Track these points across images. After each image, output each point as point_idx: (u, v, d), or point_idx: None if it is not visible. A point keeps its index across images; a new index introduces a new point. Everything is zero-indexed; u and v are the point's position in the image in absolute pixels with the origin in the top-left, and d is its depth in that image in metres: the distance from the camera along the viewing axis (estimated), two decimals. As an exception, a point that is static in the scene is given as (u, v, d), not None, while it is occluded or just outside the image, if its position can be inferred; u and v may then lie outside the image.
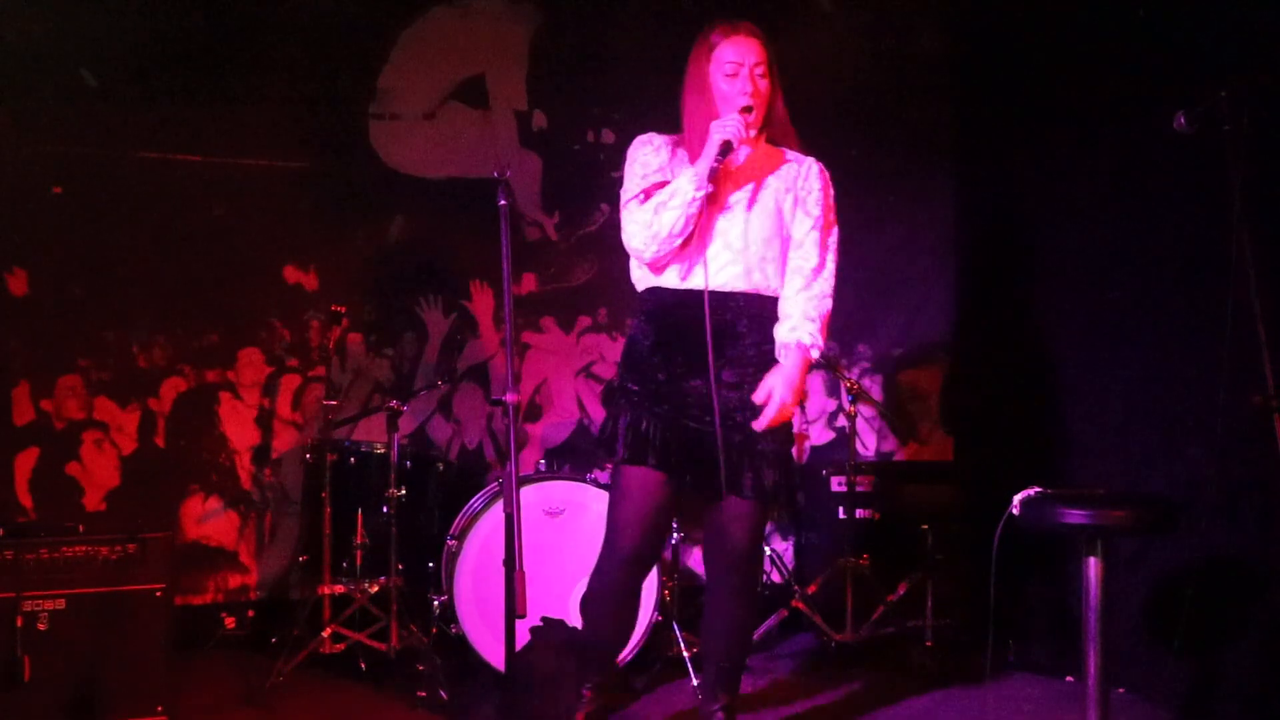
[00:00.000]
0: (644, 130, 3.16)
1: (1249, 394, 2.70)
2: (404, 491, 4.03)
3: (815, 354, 2.99)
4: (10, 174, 4.35)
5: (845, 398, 4.35)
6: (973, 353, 5.06)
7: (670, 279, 2.97)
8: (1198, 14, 3.62)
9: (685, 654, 3.87)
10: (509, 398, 2.55)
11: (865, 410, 5.05)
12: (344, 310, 4.17)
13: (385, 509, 3.98)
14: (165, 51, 4.54)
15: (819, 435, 5.21)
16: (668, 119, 5.02)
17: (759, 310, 3.00)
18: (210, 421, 4.65)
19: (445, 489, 4.42)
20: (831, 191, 3.11)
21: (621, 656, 3.89)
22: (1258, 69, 3.28)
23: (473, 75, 4.90)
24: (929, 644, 4.18)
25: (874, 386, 5.20)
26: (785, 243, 3.03)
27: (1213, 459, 3.40)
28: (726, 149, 2.83)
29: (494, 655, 3.79)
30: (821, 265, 3.04)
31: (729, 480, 2.93)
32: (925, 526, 4.27)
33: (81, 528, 3.48)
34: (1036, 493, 3.09)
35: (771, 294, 3.03)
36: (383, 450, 4.10)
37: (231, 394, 4.68)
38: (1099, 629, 3.06)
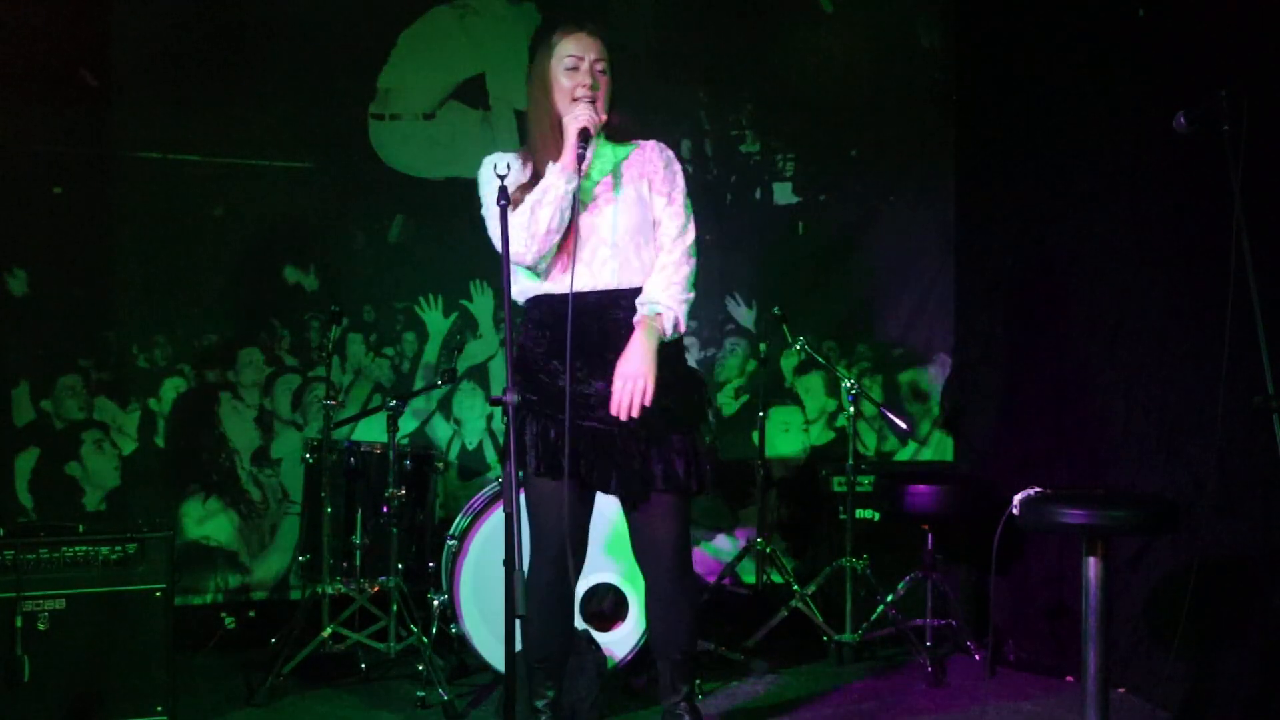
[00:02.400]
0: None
1: (1249, 394, 2.70)
2: (404, 491, 4.03)
3: (669, 321, 2.97)
4: (10, 174, 4.35)
5: (845, 398, 4.34)
6: (973, 353, 5.06)
7: (554, 285, 2.99)
8: (1198, 14, 3.62)
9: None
10: (509, 398, 2.55)
11: (865, 410, 5.05)
12: (344, 310, 4.17)
13: (385, 509, 3.98)
14: (165, 51, 4.54)
15: (819, 435, 5.21)
16: (668, 119, 5.05)
17: None
18: (210, 421, 4.65)
19: (445, 489, 4.41)
20: (676, 165, 3.14)
21: (621, 657, 3.90)
22: (1258, 69, 3.29)
23: (473, 75, 4.91)
24: (929, 644, 4.18)
25: (874, 386, 5.20)
26: (638, 226, 3.06)
27: (1213, 459, 3.40)
28: (585, 135, 2.87)
29: (494, 655, 3.79)
30: (681, 234, 3.07)
31: (644, 476, 2.95)
32: (925, 526, 4.27)
33: (81, 528, 3.48)
34: (1036, 493, 3.09)
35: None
36: (383, 450, 4.10)
37: (231, 394, 4.68)
38: (1099, 629, 3.06)
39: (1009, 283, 4.74)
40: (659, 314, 2.97)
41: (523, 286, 3.07)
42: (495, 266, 2.87)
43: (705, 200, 5.09)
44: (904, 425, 4.52)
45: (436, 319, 4.87)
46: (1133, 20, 3.90)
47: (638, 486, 2.98)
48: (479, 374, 4.90)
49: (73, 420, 4.50)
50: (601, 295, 2.97)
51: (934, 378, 5.25)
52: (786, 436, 5.18)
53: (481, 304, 4.89)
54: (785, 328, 4.48)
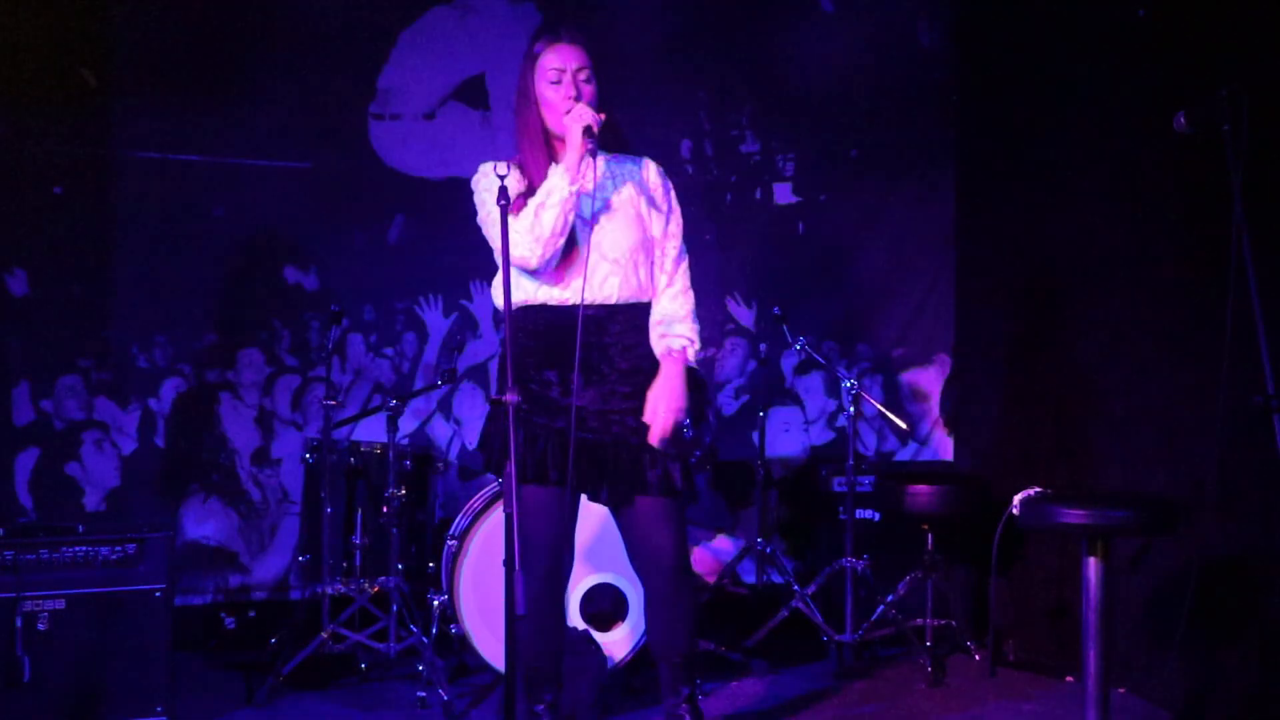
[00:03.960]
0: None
1: (1249, 394, 2.70)
2: (404, 491, 4.03)
3: (693, 353, 3.07)
4: (10, 174, 4.35)
5: (845, 398, 4.34)
6: (973, 353, 5.06)
7: (550, 295, 2.98)
8: (1198, 14, 3.62)
9: (685, 654, 3.86)
10: (509, 398, 2.55)
11: (865, 410, 5.05)
12: (344, 310, 4.17)
13: (385, 509, 3.98)
14: (165, 51, 4.55)
15: (819, 435, 5.21)
16: (668, 118, 5.05)
17: (639, 319, 3.05)
18: (210, 421, 4.65)
19: (445, 489, 4.41)
20: (669, 183, 3.17)
21: (622, 656, 3.90)
22: (1258, 69, 3.29)
23: (473, 75, 4.91)
24: (929, 644, 4.18)
25: (874, 386, 5.20)
26: (650, 246, 3.08)
27: (1213, 459, 3.40)
28: (589, 133, 2.86)
29: (494, 655, 3.79)
30: (680, 258, 3.13)
31: (637, 483, 2.96)
32: (925, 526, 4.27)
33: (81, 528, 3.48)
34: (1036, 493, 3.09)
35: (649, 299, 3.08)
36: (383, 450, 4.10)
37: (232, 394, 4.68)
38: (1099, 629, 3.06)
39: (1009, 283, 4.74)
40: (684, 347, 3.05)
41: (522, 292, 3.04)
42: (495, 268, 2.88)
43: (705, 200, 5.10)
44: (903, 425, 4.52)
45: (436, 319, 4.87)
46: (1133, 20, 3.90)
47: (629, 493, 2.98)
48: (479, 374, 4.90)
49: (73, 420, 4.50)
50: (599, 309, 2.97)
51: (934, 378, 5.25)
52: (786, 436, 5.19)
53: (481, 304, 4.89)
54: (785, 328, 4.48)
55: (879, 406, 4.61)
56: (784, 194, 5.19)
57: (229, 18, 4.62)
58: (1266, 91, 2.98)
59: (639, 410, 2.98)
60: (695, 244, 5.02)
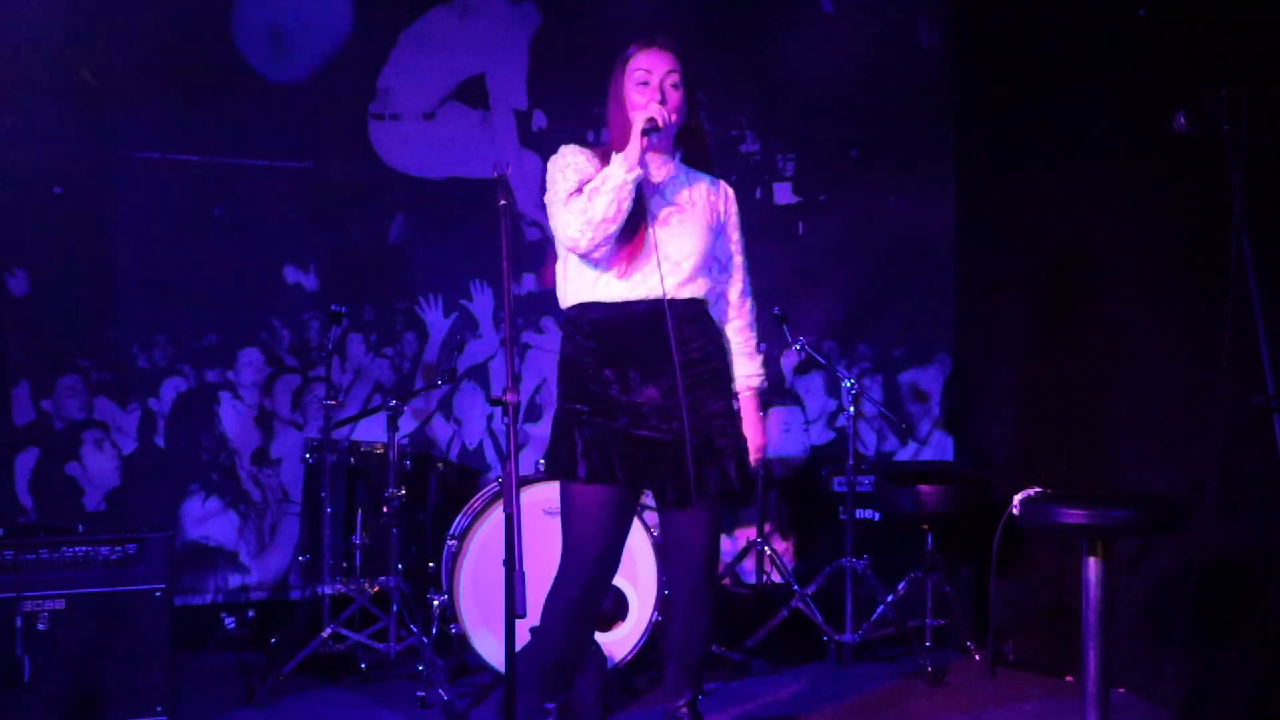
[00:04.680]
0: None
1: (1249, 394, 2.70)
2: (404, 491, 4.03)
3: (764, 387, 3.27)
4: (10, 174, 4.35)
5: (845, 398, 4.34)
6: (973, 353, 5.06)
7: (606, 292, 3.00)
8: (1198, 14, 3.62)
9: (685, 654, 3.86)
10: (509, 398, 2.55)
11: (865, 410, 5.05)
12: (344, 310, 4.17)
13: (385, 509, 3.98)
14: (165, 51, 4.54)
15: (819, 435, 5.21)
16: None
17: (697, 314, 3.09)
18: (210, 421, 4.65)
19: (445, 489, 4.41)
20: (738, 215, 3.26)
21: (622, 656, 3.90)
22: (1258, 69, 3.29)
23: (473, 75, 4.91)
24: (929, 644, 4.18)
25: (874, 386, 5.20)
26: (710, 255, 3.13)
27: (1213, 459, 3.40)
28: (653, 125, 2.90)
29: (494, 655, 3.79)
30: (747, 290, 3.27)
31: (698, 484, 2.98)
32: (925, 526, 4.27)
33: (81, 528, 3.48)
34: (1036, 493, 3.09)
35: (700, 296, 3.12)
36: (383, 450, 4.10)
37: (231, 394, 4.68)
38: (1099, 629, 3.06)
39: (1009, 283, 4.74)
40: (760, 380, 3.24)
41: (575, 288, 3.07)
42: (496, 265, 2.88)
43: (705, 200, 5.09)
44: (903, 425, 4.52)
45: (436, 319, 4.87)
46: (1133, 20, 3.90)
47: (689, 492, 2.98)
48: (479, 374, 4.90)
49: (73, 420, 4.50)
50: (652, 305, 2.98)
51: (934, 378, 5.25)
52: (786, 436, 5.18)
53: (481, 304, 4.89)
54: (785, 328, 4.48)
55: (879, 406, 4.61)
56: (784, 194, 5.19)
57: (229, 18, 4.61)
58: (1266, 91, 2.99)
59: (697, 406, 3.00)
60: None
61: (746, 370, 3.22)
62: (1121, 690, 3.79)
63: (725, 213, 3.19)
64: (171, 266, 4.58)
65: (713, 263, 3.15)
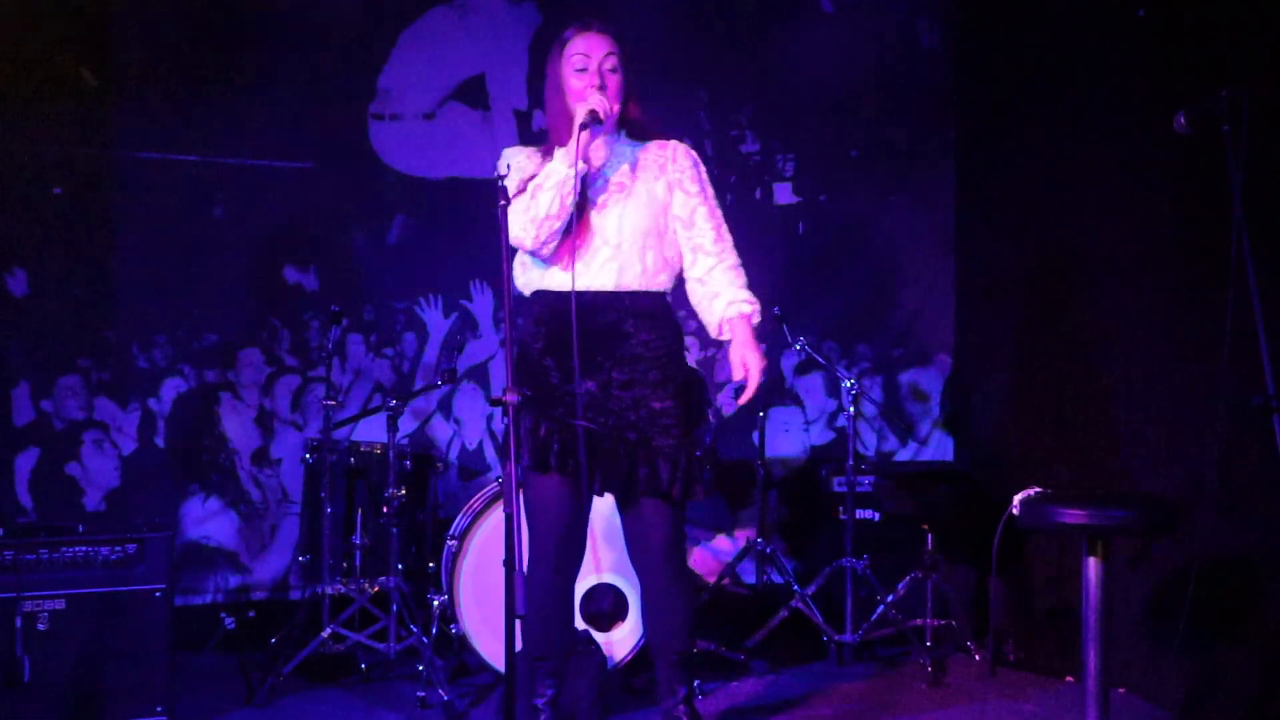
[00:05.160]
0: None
1: (1249, 394, 2.70)
2: (404, 491, 4.03)
3: (756, 319, 3.11)
4: (10, 174, 4.36)
5: (845, 398, 4.34)
6: (973, 353, 5.06)
7: (555, 281, 2.99)
8: (1198, 14, 3.62)
9: (685, 654, 3.86)
10: (509, 398, 2.55)
11: (865, 410, 5.05)
12: (344, 310, 4.17)
13: (385, 509, 3.98)
14: (165, 51, 4.55)
15: (819, 435, 5.21)
16: (668, 118, 5.03)
17: (645, 307, 3.03)
18: (210, 421, 4.65)
19: (445, 489, 4.40)
20: (702, 167, 3.18)
21: (622, 656, 3.90)
22: (1258, 69, 3.29)
23: (473, 75, 4.91)
24: (929, 644, 4.18)
25: (874, 386, 5.20)
26: (664, 232, 3.06)
27: (1213, 459, 3.40)
28: (594, 118, 2.87)
29: (494, 655, 3.79)
30: (720, 235, 3.13)
31: (629, 479, 2.96)
32: (925, 526, 4.27)
33: (81, 528, 3.48)
34: (1036, 493, 3.09)
35: (658, 289, 3.07)
36: (382, 450, 4.10)
37: (232, 394, 4.68)
38: (1099, 629, 3.06)
39: (1009, 283, 4.74)
40: (752, 311, 3.08)
41: (528, 278, 3.09)
42: (497, 265, 2.88)
43: (705, 200, 5.09)
44: (903, 425, 4.52)
45: (436, 319, 4.87)
46: (1133, 20, 3.90)
47: (622, 488, 2.99)
48: (479, 374, 4.90)
49: (73, 420, 4.50)
50: (597, 296, 2.96)
51: (934, 378, 5.25)
52: (786, 436, 5.18)
53: (481, 304, 4.89)
54: (785, 328, 4.48)
55: (879, 406, 4.61)
56: (784, 194, 5.19)
57: (229, 18, 4.62)
58: (1266, 91, 2.98)
59: (638, 402, 2.97)
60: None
61: (731, 296, 3.07)
62: (1121, 690, 3.79)
63: (676, 169, 3.11)
64: (171, 266, 4.58)
65: (664, 230, 3.07)
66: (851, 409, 4.35)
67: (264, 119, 4.66)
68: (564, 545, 3.05)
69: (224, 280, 4.65)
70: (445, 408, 4.88)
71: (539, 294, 3.05)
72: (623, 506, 3.07)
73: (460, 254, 4.82)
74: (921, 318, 5.23)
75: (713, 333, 3.14)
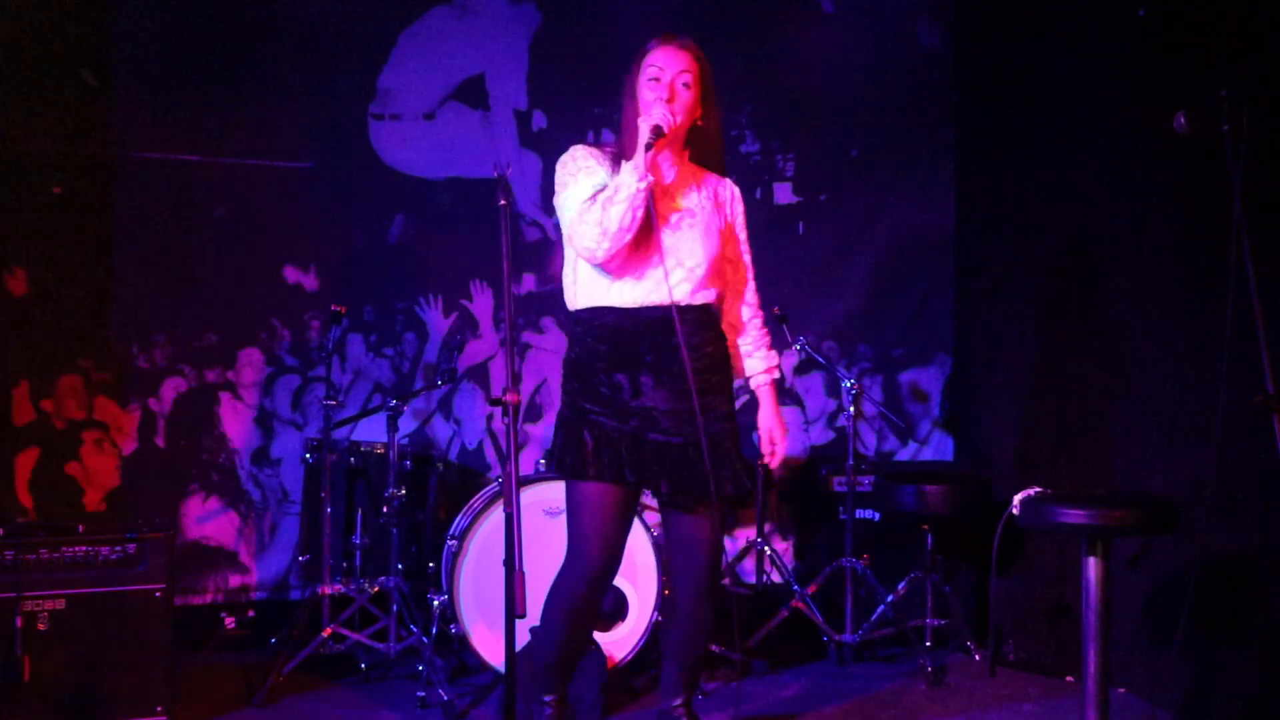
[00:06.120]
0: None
1: (1249, 394, 2.70)
2: (404, 491, 4.03)
3: (778, 376, 3.30)
4: (10, 174, 4.35)
5: (845, 398, 4.34)
6: (973, 353, 5.06)
7: (623, 297, 3.00)
8: (1198, 14, 3.62)
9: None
10: (509, 398, 2.55)
11: (865, 410, 5.05)
12: (344, 310, 4.17)
13: (385, 509, 3.98)
14: (165, 51, 4.55)
15: (819, 435, 5.21)
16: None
17: (706, 319, 3.11)
18: (210, 421, 4.65)
19: (445, 489, 4.40)
20: (744, 212, 3.27)
21: (622, 656, 3.90)
22: (1258, 69, 3.29)
23: (473, 75, 4.91)
24: (929, 644, 4.18)
25: (874, 386, 5.20)
26: (718, 256, 3.13)
27: (1213, 459, 3.40)
28: (658, 133, 2.88)
29: (494, 655, 3.79)
30: (754, 285, 3.29)
31: (715, 485, 2.98)
32: (925, 526, 4.27)
33: (81, 528, 3.48)
34: (1036, 493, 3.09)
35: (712, 301, 3.14)
36: (383, 450, 4.10)
37: (231, 394, 4.68)
38: (1099, 629, 3.06)
39: (1009, 283, 4.74)
40: (779, 374, 3.28)
41: (590, 293, 3.06)
42: (496, 265, 2.88)
43: (705, 200, 5.09)
44: (903, 425, 4.51)
45: (436, 319, 4.87)
46: (1133, 20, 3.90)
47: (708, 493, 2.99)
48: (479, 374, 4.90)
49: (73, 420, 4.50)
50: (668, 310, 2.95)
51: (934, 378, 5.25)
52: (787, 436, 5.17)
53: (481, 304, 4.89)
54: (785, 328, 4.48)
55: (879, 406, 4.61)
56: (784, 194, 5.19)
57: (229, 18, 4.62)
58: (1266, 91, 2.99)
59: (707, 409, 3.00)
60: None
61: (764, 363, 3.25)
62: (1121, 690, 3.79)
63: (733, 213, 3.21)
64: (171, 266, 4.58)
65: (724, 264, 3.17)
66: (851, 409, 4.35)
67: (264, 119, 4.66)
68: (615, 554, 3.08)
69: (224, 280, 4.65)
70: (445, 408, 4.88)
71: (600, 309, 3.04)
72: (685, 512, 3.08)
73: (460, 254, 4.82)
74: (921, 318, 5.23)
75: (738, 379, 3.27)
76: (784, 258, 5.13)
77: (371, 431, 4.40)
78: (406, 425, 4.65)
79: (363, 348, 4.80)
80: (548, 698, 3.18)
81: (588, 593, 3.07)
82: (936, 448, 5.24)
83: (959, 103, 5.15)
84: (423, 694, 3.73)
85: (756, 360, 3.24)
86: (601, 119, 5.02)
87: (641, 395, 2.99)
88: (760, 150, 5.16)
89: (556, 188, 3.05)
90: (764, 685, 4.02)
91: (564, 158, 3.07)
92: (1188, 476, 3.61)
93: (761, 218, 5.16)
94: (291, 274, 4.74)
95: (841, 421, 5.06)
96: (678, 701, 3.20)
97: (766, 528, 4.86)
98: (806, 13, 5.16)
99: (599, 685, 3.63)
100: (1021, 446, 4.56)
